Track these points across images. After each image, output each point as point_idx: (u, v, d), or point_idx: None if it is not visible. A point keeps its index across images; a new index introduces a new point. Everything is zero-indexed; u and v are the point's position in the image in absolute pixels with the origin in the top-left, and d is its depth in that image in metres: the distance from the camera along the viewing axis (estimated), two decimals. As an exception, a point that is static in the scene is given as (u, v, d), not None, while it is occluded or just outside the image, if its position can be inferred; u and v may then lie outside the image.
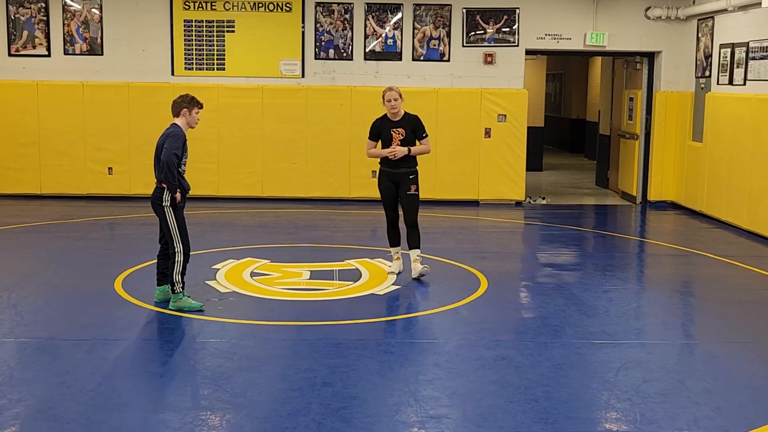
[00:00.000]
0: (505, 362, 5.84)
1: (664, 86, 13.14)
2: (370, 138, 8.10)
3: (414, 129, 7.98)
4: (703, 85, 12.32)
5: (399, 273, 8.24)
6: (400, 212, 8.18)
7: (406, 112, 8.03)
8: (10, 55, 12.78)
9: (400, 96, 7.90)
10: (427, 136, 8.08)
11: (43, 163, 12.83)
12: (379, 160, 8.11)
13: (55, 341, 6.15)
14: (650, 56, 13.32)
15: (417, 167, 8.08)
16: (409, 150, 7.91)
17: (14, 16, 12.71)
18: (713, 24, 11.97)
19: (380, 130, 7.99)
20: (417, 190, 8.04)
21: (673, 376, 5.65)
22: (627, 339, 6.45)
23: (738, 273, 8.79)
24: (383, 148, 8.00)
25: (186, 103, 6.91)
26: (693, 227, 11.57)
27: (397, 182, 8.03)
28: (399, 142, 7.92)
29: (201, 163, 12.39)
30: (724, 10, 11.45)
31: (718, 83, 11.83)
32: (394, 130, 7.94)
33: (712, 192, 11.82)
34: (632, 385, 5.43)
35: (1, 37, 12.75)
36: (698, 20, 12.44)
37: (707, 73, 12.16)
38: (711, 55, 12.04)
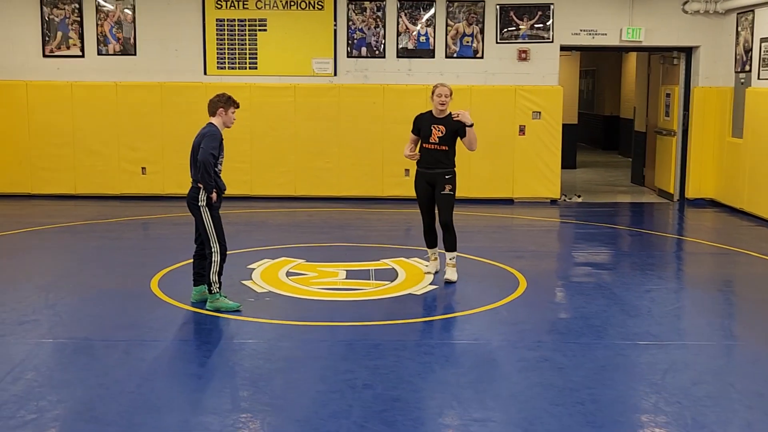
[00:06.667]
0: (548, 364, 5.72)
1: (702, 82, 12.90)
2: (412, 131, 8.01)
3: (456, 129, 7.84)
4: (743, 80, 12.08)
5: (436, 273, 8.14)
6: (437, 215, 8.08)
7: (450, 112, 7.90)
8: (44, 56, 12.85)
9: (451, 93, 7.83)
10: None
11: (77, 163, 12.89)
12: (416, 160, 8.01)
13: (92, 342, 6.13)
14: (688, 51, 13.09)
15: (454, 168, 7.95)
16: (448, 149, 7.81)
17: (48, 17, 12.78)
18: (753, 18, 11.73)
19: (421, 126, 7.90)
20: (452, 190, 7.88)
21: (722, 378, 5.50)
22: (672, 340, 6.30)
23: (783, 272, 8.59)
24: (422, 143, 7.89)
25: (222, 103, 6.87)
26: (733, 225, 11.34)
27: (433, 183, 7.89)
28: (437, 139, 7.80)
29: (234, 162, 12.33)
30: (764, 3, 11.21)
31: (758, 78, 11.58)
32: (435, 126, 7.81)
33: (753, 189, 11.58)
34: (681, 387, 5.29)
35: (35, 38, 12.84)
36: (737, 14, 12.20)
37: (747, 68, 11.92)
38: (751, 50, 11.80)
